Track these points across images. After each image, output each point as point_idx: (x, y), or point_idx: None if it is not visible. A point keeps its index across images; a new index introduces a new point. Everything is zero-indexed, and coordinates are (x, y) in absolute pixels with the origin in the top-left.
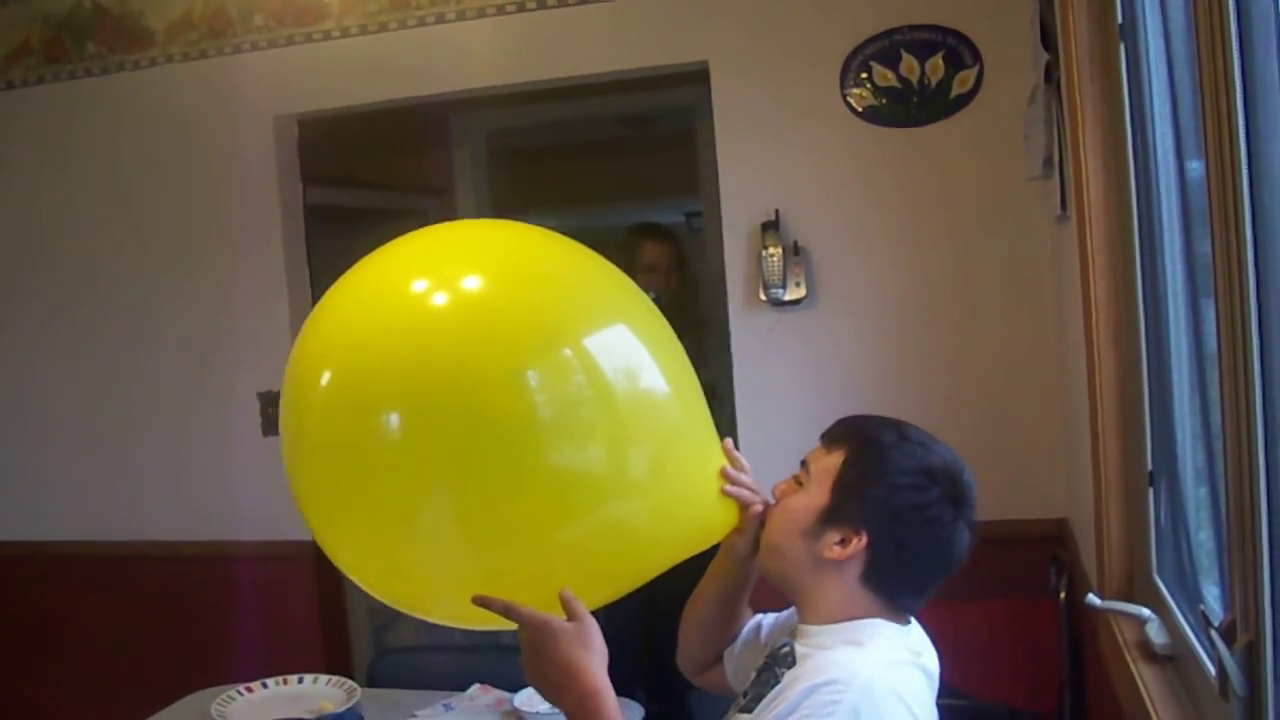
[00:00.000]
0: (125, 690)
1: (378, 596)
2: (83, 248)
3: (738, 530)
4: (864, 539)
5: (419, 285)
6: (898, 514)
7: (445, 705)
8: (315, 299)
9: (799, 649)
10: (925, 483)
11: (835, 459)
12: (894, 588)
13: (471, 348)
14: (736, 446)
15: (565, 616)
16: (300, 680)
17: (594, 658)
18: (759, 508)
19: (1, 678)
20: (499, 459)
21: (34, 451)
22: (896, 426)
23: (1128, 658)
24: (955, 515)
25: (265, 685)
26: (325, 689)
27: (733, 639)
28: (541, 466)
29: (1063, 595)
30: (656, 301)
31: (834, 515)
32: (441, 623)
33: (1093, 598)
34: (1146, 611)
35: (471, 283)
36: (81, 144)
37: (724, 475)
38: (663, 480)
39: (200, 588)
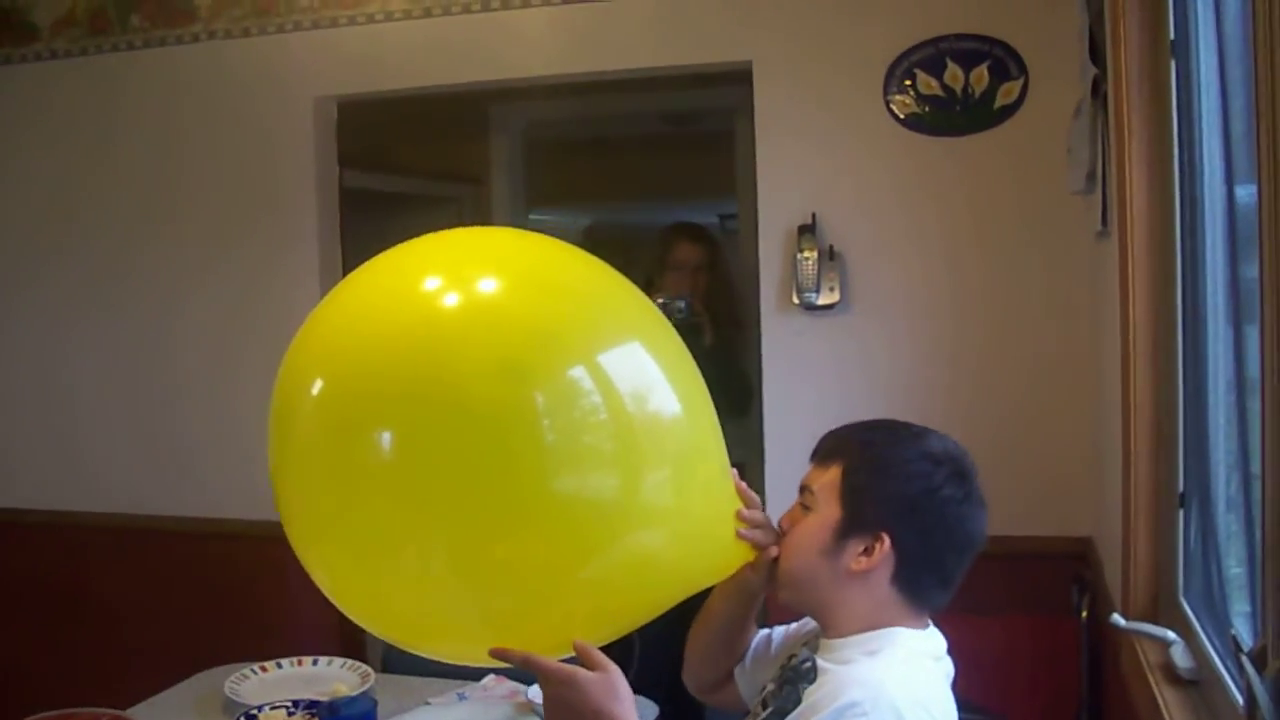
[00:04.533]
0: (141, 664)
1: (364, 626)
2: (118, 221)
3: (751, 566)
4: (887, 541)
5: (423, 289)
6: (914, 505)
7: (459, 695)
8: None
9: (820, 663)
10: (931, 467)
11: (834, 472)
12: (924, 583)
13: (475, 357)
14: (760, 451)
15: (587, 666)
16: (315, 662)
17: (624, 706)
18: (775, 551)
19: (18, 646)
20: (504, 484)
21: (63, 422)
22: (884, 425)
23: (1150, 680)
24: (966, 492)
25: (280, 665)
26: (340, 672)
27: (742, 656)
28: (553, 495)
29: (1084, 614)
30: (687, 305)
31: (851, 526)
32: (439, 659)
33: (1117, 618)
34: (1172, 634)
35: (479, 287)
36: (121, 117)
37: (740, 518)
38: (682, 507)
39: (220, 566)
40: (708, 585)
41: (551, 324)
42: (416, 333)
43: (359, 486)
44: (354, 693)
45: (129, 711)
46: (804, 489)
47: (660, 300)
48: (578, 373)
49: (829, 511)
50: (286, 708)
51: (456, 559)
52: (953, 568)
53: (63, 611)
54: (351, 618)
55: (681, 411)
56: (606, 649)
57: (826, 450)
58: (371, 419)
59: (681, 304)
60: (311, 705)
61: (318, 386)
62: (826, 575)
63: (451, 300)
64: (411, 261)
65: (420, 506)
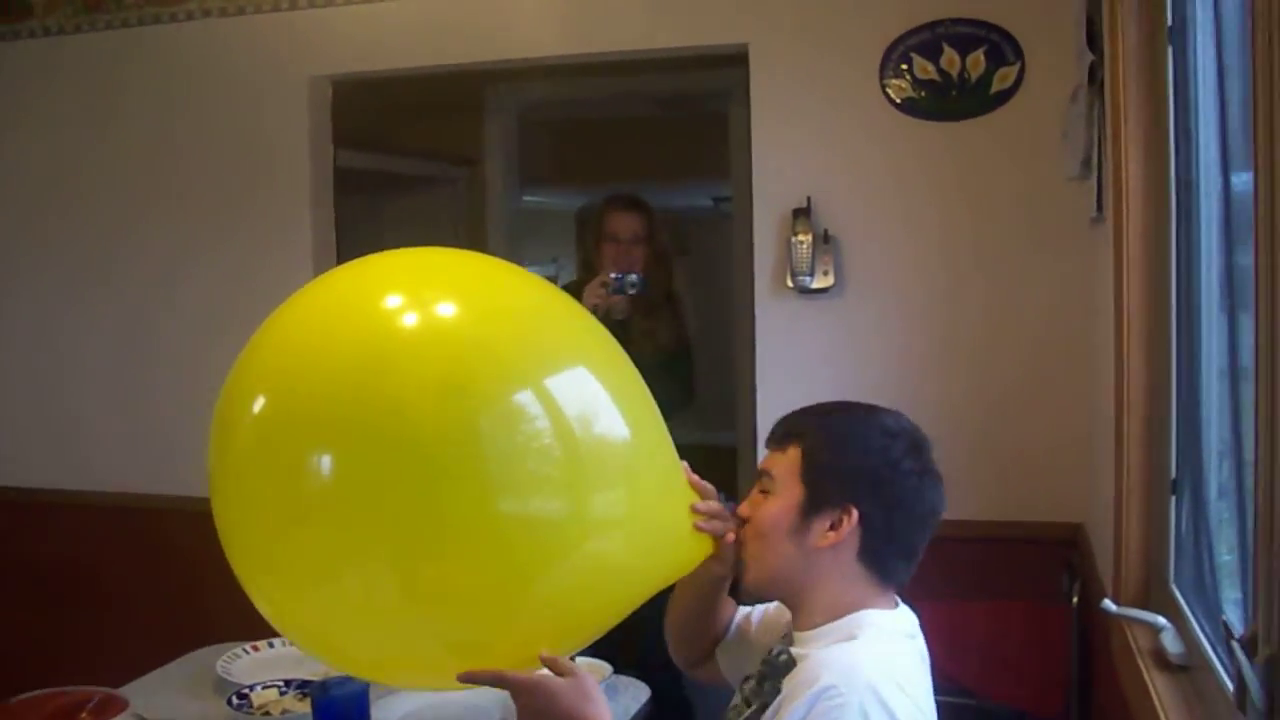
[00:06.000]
0: (132, 643)
1: (319, 660)
2: (111, 200)
3: (714, 556)
4: (854, 514)
5: (369, 312)
6: (876, 477)
7: None
8: (341, 262)
9: (795, 653)
10: (889, 440)
11: (793, 454)
12: (888, 558)
13: (415, 375)
14: (753, 436)
15: (556, 674)
16: None
17: (598, 708)
18: (732, 536)
19: (15, 622)
20: (445, 507)
21: (53, 400)
22: (837, 405)
23: (1140, 665)
24: (924, 465)
25: (271, 645)
26: None
27: (723, 633)
28: (497, 516)
29: (1075, 600)
30: (641, 280)
31: (815, 503)
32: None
33: (1108, 603)
34: (1162, 620)
35: (424, 308)
36: (114, 96)
37: (695, 511)
38: (632, 516)
39: (211, 544)
40: (672, 581)
41: (494, 344)
42: (357, 351)
43: (295, 509)
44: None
45: (120, 690)
46: (762, 474)
47: (613, 276)
48: (520, 394)
49: (791, 492)
50: (278, 687)
51: (399, 584)
52: (915, 540)
53: (53, 591)
54: (305, 652)
55: (626, 424)
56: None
57: (782, 433)
58: (308, 437)
59: (634, 278)
60: (304, 685)
61: (256, 404)
62: (795, 556)
63: (395, 320)
64: (359, 281)
65: (358, 529)
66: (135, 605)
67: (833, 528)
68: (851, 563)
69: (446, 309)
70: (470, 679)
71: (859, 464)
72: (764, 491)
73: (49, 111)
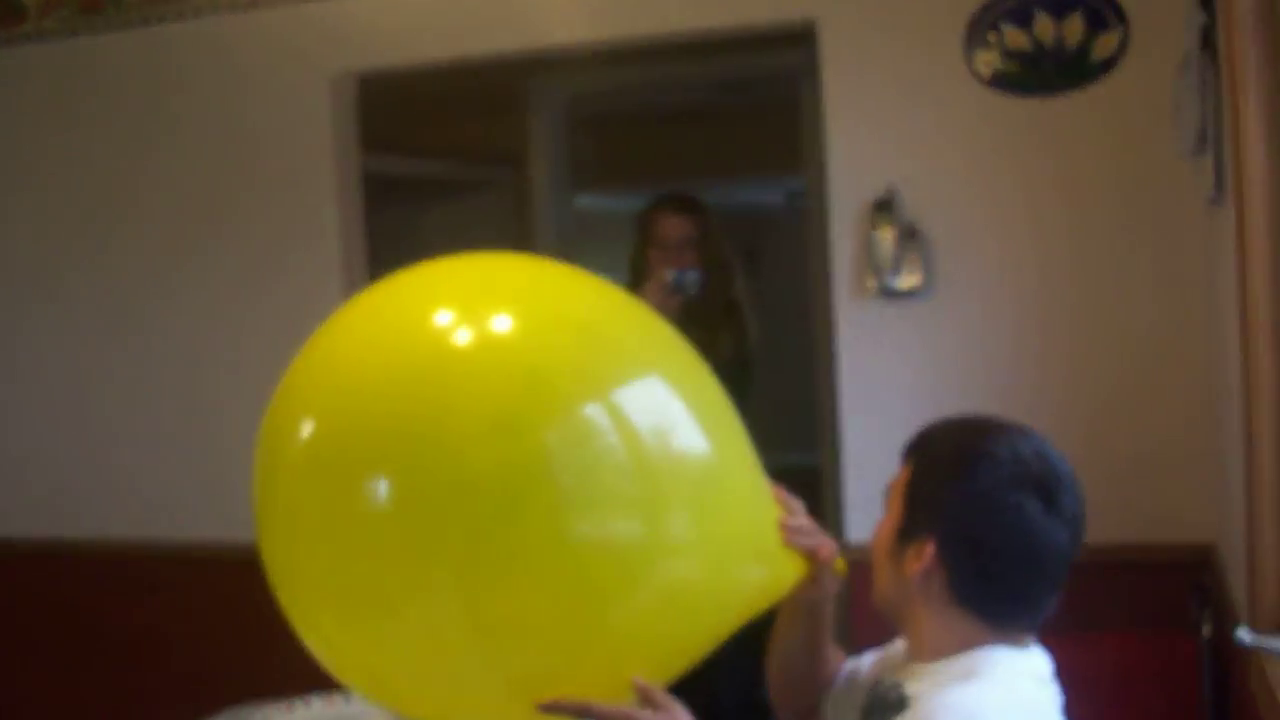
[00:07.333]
0: (161, 698)
1: (379, 705)
2: (111, 211)
3: (811, 578)
4: (932, 544)
5: (426, 323)
6: (961, 507)
7: None
8: (374, 278)
9: (908, 690)
10: (987, 467)
11: (905, 473)
12: (986, 598)
13: (473, 420)
14: (837, 456)
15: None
16: (347, 700)
17: None
18: (826, 550)
19: (35, 678)
20: (510, 539)
21: (81, 449)
22: (968, 420)
23: None
24: (1045, 502)
25: (308, 703)
26: (372, 710)
27: (831, 682)
28: (563, 543)
29: (1206, 630)
30: (699, 277)
31: (908, 527)
32: None
33: (1243, 634)
34: None
35: (488, 323)
36: (116, 103)
37: (783, 527)
38: (712, 535)
39: (246, 593)
40: (771, 601)
41: (551, 366)
42: (408, 378)
43: (350, 542)
44: None
45: None
46: (887, 489)
47: (671, 275)
48: (582, 413)
49: (895, 512)
50: None
51: (465, 614)
52: (1024, 585)
53: (78, 644)
54: (368, 699)
55: (703, 435)
56: None
57: (906, 448)
58: (361, 470)
59: (694, 275)
60: None
61: (304, 431)
62: (893, 581)
63: (446, 343)
64: (415, 293)
65: (418, 559)
66: (163, 659)
67: (917, 556)
68: (942, 598)
69: (500, 327)
70: (554, 708)
71: (945, 491)
72: (887, 509)
73: (45, 117)
